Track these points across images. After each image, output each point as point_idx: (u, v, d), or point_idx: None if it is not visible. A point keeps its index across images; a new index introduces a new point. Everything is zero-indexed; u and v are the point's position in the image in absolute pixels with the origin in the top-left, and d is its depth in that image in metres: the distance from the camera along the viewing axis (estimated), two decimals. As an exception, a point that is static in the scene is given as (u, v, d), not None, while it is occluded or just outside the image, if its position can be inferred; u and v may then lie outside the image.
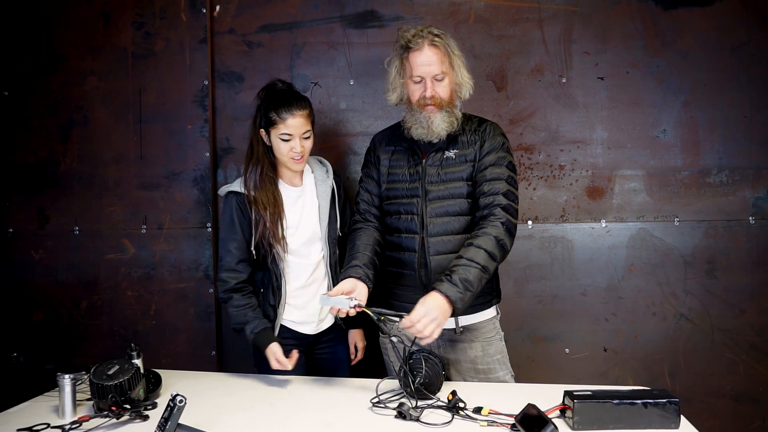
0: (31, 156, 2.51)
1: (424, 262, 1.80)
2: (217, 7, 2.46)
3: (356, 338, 2.12)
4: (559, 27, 2.36)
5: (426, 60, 1.74)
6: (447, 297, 1.61)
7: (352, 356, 2.12)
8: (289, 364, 1.80)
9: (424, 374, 1.61)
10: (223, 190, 1.98)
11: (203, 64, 2.44)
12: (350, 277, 1.72)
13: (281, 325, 1.97)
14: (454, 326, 1.82)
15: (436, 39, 1.75)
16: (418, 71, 1.75)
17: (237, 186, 1.94)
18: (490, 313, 1.88)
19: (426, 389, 1.60)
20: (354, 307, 1.62)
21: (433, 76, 1.75)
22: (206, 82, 2.44)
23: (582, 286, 2.39)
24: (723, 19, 2.30)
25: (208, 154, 2.45)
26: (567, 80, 2.37)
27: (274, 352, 1.82)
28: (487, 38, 2.38)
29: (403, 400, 1.58)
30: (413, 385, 1.59)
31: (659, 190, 2.36)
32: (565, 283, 2.39)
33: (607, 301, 2.39)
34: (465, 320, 1.83)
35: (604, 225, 2.39)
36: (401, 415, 1.49)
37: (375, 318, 1.65)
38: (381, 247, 1.88)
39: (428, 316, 1.58)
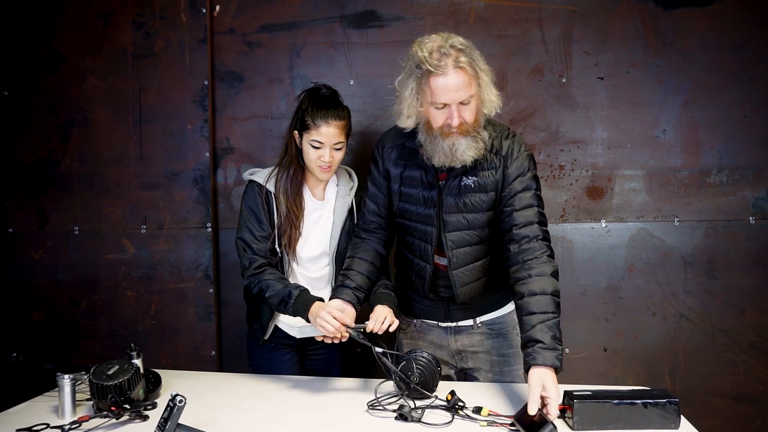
0: (30, 156, 2.51)
1: (442, 289, 1.79)
2: (217, 7, 2.46)
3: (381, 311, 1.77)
4: (559, 27, 2.36)
5: (452, 86, 1.52)
6: (548, 366, 1.48)
7: (369, 327, 1.73)
8: (346, 321, 1.66)
9: (419, 374, 1.61)
10: (247, 175, 1.94)
11: (203, 64, 2.43)
12: (339, 298, 1.73)
13: (276, 327, 1.98)
14: (471, 323, 1.84)
15: (461, 58, 1.52)
16: (442, 98, 1.54)
17: (261, 178, 1.90)
18: (509, 308, 1.87)
19: (422, 387, 1.60)
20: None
21: (460, 102, 1.55)
22: (206, 82, 2.44)
23: (582, 286, 2.39)
24: (723, 19, 2.30)
25: (208, 154, 2.45)
26: (567, 80, 2.37)
27: (328, 310, 1.66)
28: (487, 38, 2.38)
29: (401, 402, 1.58)
30: (409, 386, 1.59)
31: (659, 190, 2.36)
32: (564, 283, 2.37)
33: (607, 301, 2.38)
34: (484, 318, 1.84)
35: (604, 225, 2.38)
36: (402, 417, 1.49)
37: (358, 337, 1.67)
38: (382, 259, 1.86)
39: (549, 392, 1.45)
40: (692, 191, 2.35)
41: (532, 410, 1.42)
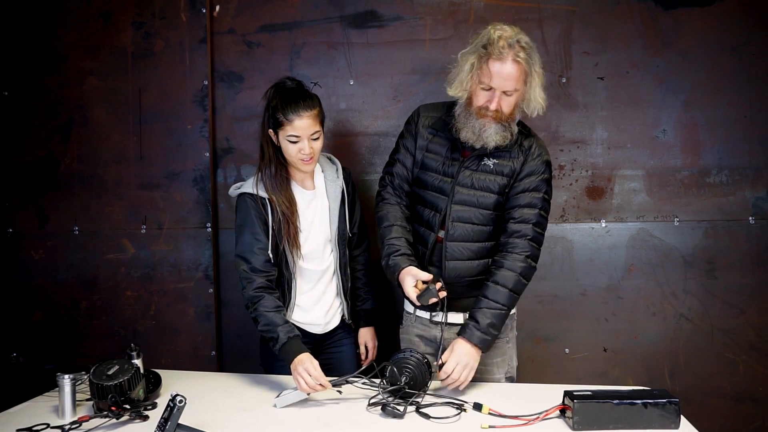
0: (30, 156, 2.51)
1: (438, 261, 1.81)
2: (217, 7, 2.46)
3: (366, 337, 2.08)
4: (559, 27, 2.36)
5: (505, 74, 1.67)
6: (474, 344, 1.69)
7: (362, 356, 2.07)
8: (323, 380, 1.65)
9: (408, 374, 1.62)
10: (234, 191, 1.92)
11: (203, 64, 2.43)
12: (412, 265, 1.76)
13: None
14: (462, 321, 1.83)
15: (521, 54, 1.67)
16: (491, 81, 1.68)
17: (250, 187, 1.88)
18: None
19: (413, 387, 1.61)
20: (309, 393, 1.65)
21: (504, 91, 1.70)
22: (206, 82, 2.44)
23: (582, 286, 2.39)
24: (723, 19, 2.30)
25: (207, 154, 2.45)
26: (567, 80, 2.37)
27: (309, 361, 1.67)
28: (487, 38, 2.38)
29: (393, 402, 1.58)
30: (400, 390, 1.60)
31: (659, 190, 2.36)
32: (564, 283, 2.39)
33: (606, 301, 2.38)
34: None
35: (603, 225, 2.38)
36: (395, 416, 1.51)
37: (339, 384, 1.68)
38: (410, 223, 1.89)
39: (460, 364, 1.66)
40: (692, 191, 2.35)
41: (441, 375, 1.67)
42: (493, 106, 1.70)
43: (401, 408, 1.52)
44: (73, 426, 1.49)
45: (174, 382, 1.83)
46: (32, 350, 2.51)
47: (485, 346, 1.70)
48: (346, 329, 2.06)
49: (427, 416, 1.51)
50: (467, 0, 2.38)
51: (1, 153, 2.51)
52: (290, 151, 1.83)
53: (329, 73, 2.44)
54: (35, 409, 1.65)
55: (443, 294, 1.71)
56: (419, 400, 1.60)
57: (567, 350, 2.40)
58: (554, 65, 2.36)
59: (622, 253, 2.38)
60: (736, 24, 2.30)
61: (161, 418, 1.35)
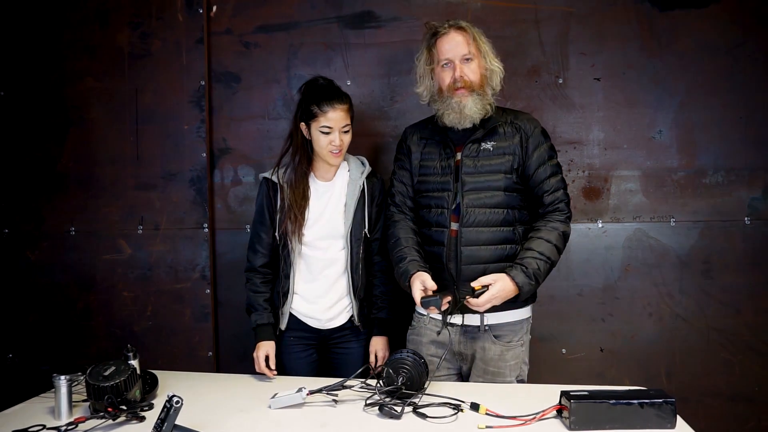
0: (27, 156, 2.50)
1: (454, 255, 1.82)
2: (214, 8, 2.45)
3: (377, 346, 2.03)
4: (556, 28, 2.36)
5: (453, 42, 1.80)
6: (517, 284, 1.72)
7: (372, 364, 2.01)
8: (268, 373, 1.89)
9: (405, 374, 1.62)
10: (261, 176, 2.07)
11: (200, 65, 2.43)
12: (422, 270, 1.79)
13: (292, 315, 2.00)
14: (478, 323, 1.83)
15: (461, 23, 1.84)
16: (446, 54, 1.81)
17: (269, 173, 2.02)
18: (519, 314, 1.87)
19: (410, 387, 1.61)
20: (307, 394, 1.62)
21: (462, 57, 1.80)
22: (203, 83, 2.44)
23: (578, 287, 2.40)
24: (719, 21, 2.31)
25: (204, 155, 2.45)
26: (563, 81, 2.37)
27: (264, 350, 1.92)
28: (484, 39, 2.38)
29: (391, 402, 1.58)
30: (397, 391, 1.60)
31: (655, 191, 2.37)
32: (561, 283, 2.39)
33: (603, 302, 2.39)
34: (491, 319, 1.83)
35: (600, 225, 2.39)
36: (392, 416, 1.51)
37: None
38: (418, 236, 1.92)
39: (492, 296, 1.70)
40: (688, 192, 2.36)
41: (471, 300, 1.71)
42: (458, 74, 1.79)
43: (398, 408, 1.52)
44: (69, 427, 1.49)
45: (171, 382, 1.82)
46: (28, 351, 2.50)
47: (524, 291, 1.73)
48: (355, 331, 2.05)
49: (424, 416, 1.51)
50: (464, 1, 2.38)
51: (-4, 153, 2.51)
52: (321, 142, 1.92)
53: (326, 74, 2.40)
54: (31, 411, 1.64)
55: (445, 306, 1.72)
56: (416, 400, 1.60)
57: (564, 350, 2.41)
58: (551, 66, 2.37)
59: (618, 253, 2.38)
60: (731, 25, 2.31)
61: (158, 419, 1.35)
